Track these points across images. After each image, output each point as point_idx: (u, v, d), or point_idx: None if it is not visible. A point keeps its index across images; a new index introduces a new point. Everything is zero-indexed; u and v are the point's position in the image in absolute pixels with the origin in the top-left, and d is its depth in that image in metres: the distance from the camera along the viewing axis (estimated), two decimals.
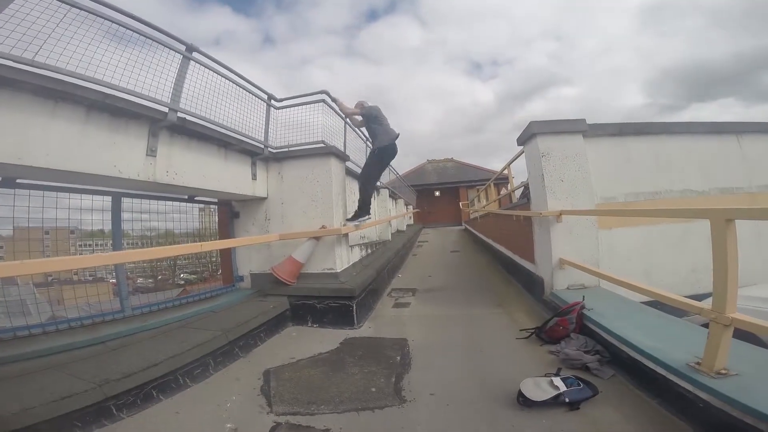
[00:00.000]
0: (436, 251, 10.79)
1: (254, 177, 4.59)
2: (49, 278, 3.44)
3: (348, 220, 4.91)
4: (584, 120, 4.25)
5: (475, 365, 2.97)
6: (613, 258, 4.08)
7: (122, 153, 2.96)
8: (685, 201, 4.37)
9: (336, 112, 5.51)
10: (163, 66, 3.21)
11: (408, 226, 15.03)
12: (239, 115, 4.18)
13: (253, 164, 4.58)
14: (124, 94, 2.86)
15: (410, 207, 17.04)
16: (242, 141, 4.25)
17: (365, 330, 4.03)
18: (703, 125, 4.80)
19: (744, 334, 2.40)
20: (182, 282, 4.57)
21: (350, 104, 5.00)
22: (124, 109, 2.92)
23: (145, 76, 3.02)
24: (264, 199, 4.82)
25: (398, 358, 3.18)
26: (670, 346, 2.35)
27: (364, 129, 5.30)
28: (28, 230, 2.90)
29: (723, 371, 1.94)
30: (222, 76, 3.91)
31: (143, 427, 2.19)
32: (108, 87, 2.74)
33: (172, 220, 4.13)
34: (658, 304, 3.12)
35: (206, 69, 3.68)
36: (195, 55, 3.51)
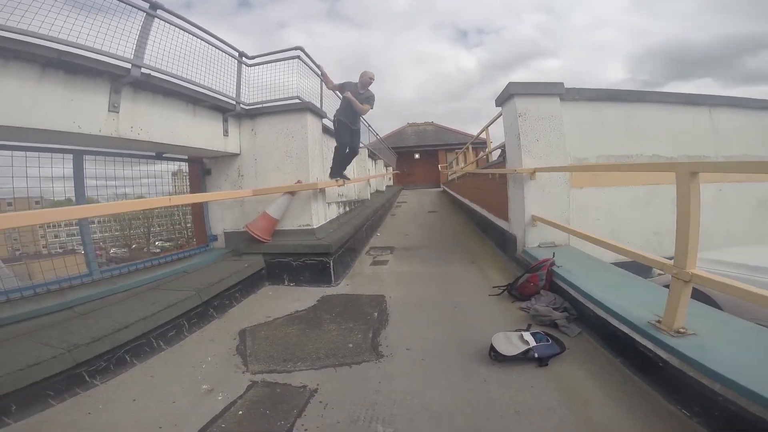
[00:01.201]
0: (415, 211, 10.78)
1: (226, 133, 4.32)
2: (17, 252, 3.20)
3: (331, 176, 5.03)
4: (562, 84, 4.18)
5: (450, 321, 2.98)
6: (582, 217, 4.12)
7: (82, 109, 2.78)
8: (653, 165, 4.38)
9: (312, 69, 5.22)
10: (125, 24, 3.04)
11: (387, 187, 14.92)
12: (210, 73, 3.98)
13: (225, 120, 4.31)
14: (83, 51, 2.67)
15: (390, 168, 16.87)
16: (213, 97, 3.99)
17: (343, 287, 3.98)
18: (678, 96, 4.79)
19: (701, 298, 2.46)
20: (158, 250, 4.37)
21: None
22: (82, 66, 2.74)
23: (105, 33, 2.82)
24: (237, 155, 4.57)
25: (375, 314, 3.15)
26: (633, 304, 2.35)
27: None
28: None
29: (681, 330, 1.94)
30: (190, 34, 3.68)
31: (118, 394, 2.09)
32: (64, 44, 2.55)
33: (146, 185, 3.89)
34: (624, 264, 3.17)
35: (174, 27, 3.48)
36: (160, 12, 3.28)
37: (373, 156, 11.63)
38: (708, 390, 1.62)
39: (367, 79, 4.79)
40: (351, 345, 2.62)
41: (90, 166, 3.32)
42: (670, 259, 2.05)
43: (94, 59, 2.78)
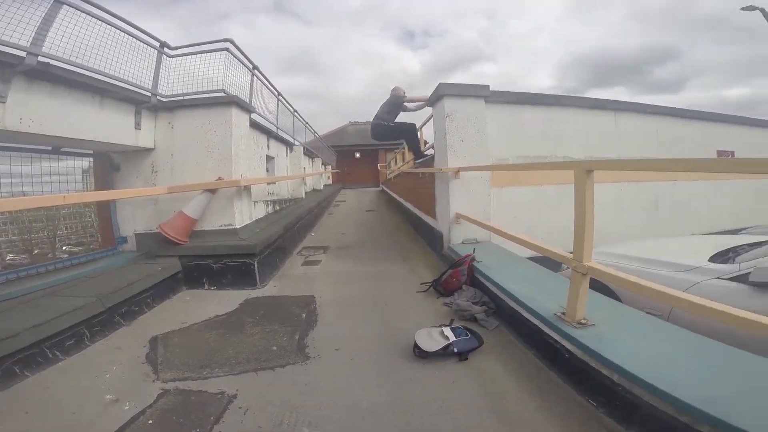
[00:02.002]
0: (353, 210, 10.85)
1: (138, 126, 4.03)
2: None
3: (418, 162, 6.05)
4: (488, 86, 4.44)
5: (380, 319, 3.03)
6: (502, 214, 4.43)
7: None
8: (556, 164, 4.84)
9: (243, 64, 5.10)
10: (26, 10, 2.83)
11: (326, 186, 14.82)
12: (125, 63, 3.77)
13: (138, 113, 4.03)
14: None
15: (329, 167, 16.77)
16: (123, 88, 3.73)
17: (269, 289, 3.90)
18: (588, 100, 5.35)
19: (602, 289, 2.67)
20: (65, 256, 3.97)
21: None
22: None
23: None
24: (150, 150, 4.28)
25: (304, 315, 3.13)
26: (543, 297, 2.49)
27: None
28: None
29: (583, 321, 2.06)
30: (105, 23, 3.46)
31: (7, 407, 1.90)
32: None
33: (49, 182, 3.57)
34: (540, 259, 3.48)
35: (85, 15, 3.28)
36: None
37: (309, 154, 11.50)
38: (608, 380, 1.71)
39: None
40: (275, 348, 2.58)
41: None
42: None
43: None
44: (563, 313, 2.18)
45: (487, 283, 3.13)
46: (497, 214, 4.39)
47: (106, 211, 4.24)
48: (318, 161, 13.55)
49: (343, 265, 4.83)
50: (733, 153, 6.47)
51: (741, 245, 3.23)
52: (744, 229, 5.42)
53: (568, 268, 4.04)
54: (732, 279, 2.59)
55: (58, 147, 3.68)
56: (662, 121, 5.78)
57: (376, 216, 9.60)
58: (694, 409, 1.34)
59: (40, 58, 2.88)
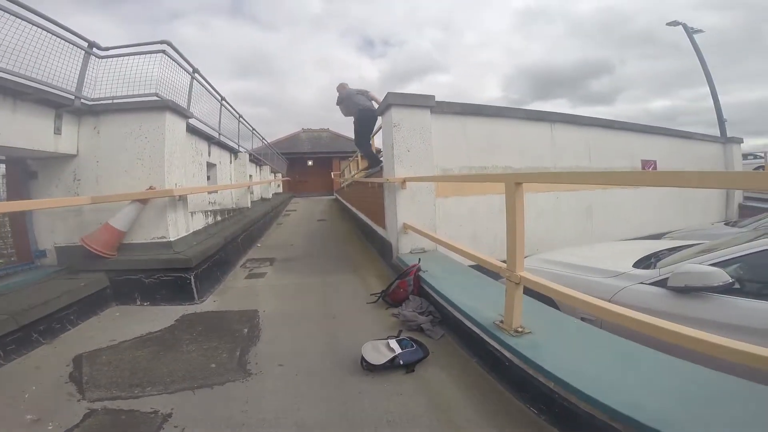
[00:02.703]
0: (303, 220, 10.71)
1: (58, 131, 3.78)
2: None
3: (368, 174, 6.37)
4: (434, 96, 4.60)
5: (327, 333, 3.02)
6: (448, 224, 4.61)
7: None
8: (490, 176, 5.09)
9: (182, 67, 4.98)
10: None
11: (275, 194, 14.53)
12: (46, 63, 3.58)
13: (59, 117, 3.79)
14: None
15: (279, 175, 16.50)
16: (40, 90, 3.51)
17: (209, 304, 3.79)
18: (527, 112, 5.70)
19: (543, 297, 2.85)
20: None
21: None
22: None
23: None
24: (72, 156, 4.02)
25: (245, 330, 3.08)
26: (484, 305, 2.55)
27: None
28: None
29: (520, 329, 2.13)
30: (22, 19, 3.30)
31: None
32: None
33: None
34: (483, 268, 3.66)
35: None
36: None
37: (257, 161, 11.27)
38: (545, 388, 1.76)
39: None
40: (214, 365, 2.52)
41: None
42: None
43: None
44: (501, 322, 2.25)
45: (433, 293, 3.20)
46: (443, 223, 4.56)
47: (21, 222, 3.92)
48: (267, 169, 13.30)
49: (290, 278, 4.78)
50: (655, 162, 7.19)
51: (662, 250, 3.52)
52: (666, 233, 6.01)
53: None
54: (653, 284, 2.79)
55: None
56: (594, 132, 6.29)
57: (327, 225, 9.56)
58: (623, 415, 1.41)
59: None
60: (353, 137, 6.87)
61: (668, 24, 13.32)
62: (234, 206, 7.56)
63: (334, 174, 19.44)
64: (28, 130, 3.51)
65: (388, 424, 1.87)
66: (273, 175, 14.64)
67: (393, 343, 2.46)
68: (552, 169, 5.55)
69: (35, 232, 4.01)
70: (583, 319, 2.51)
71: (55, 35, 3.65)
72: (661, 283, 2.72)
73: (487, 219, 4.94)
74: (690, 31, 12.84)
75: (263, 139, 13.17)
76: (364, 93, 6.37)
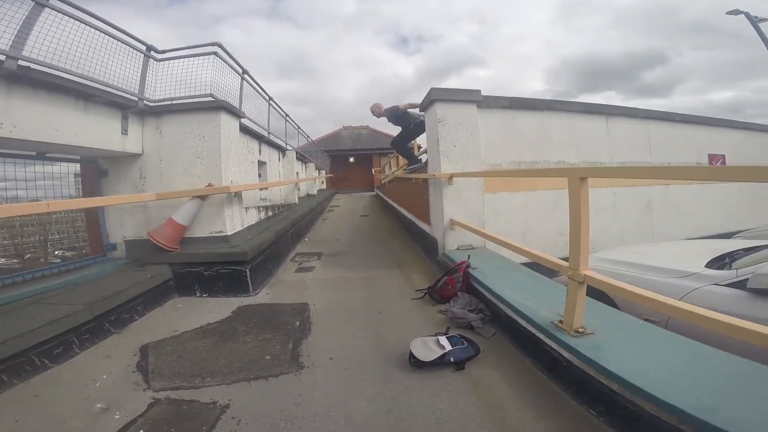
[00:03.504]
0: (347, 216, 10.82)
1: (125, 132, 3.99)
2: None
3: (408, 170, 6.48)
4: (479, 91, 4.44)
5: (374, 328, 2.99)
6: (497, 220, 4.45)
7: None
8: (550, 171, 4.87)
9: (232, 68, 5.09)
10: (5, 13, 2.80)
11: (320, 191, 14.80)
12: (110, 67, 3.73)
13: (125, 118, 4.00)
14: None
15: (323, 172, 16.76)
16: (108, 92, 3.70)
17: (262, 297, 3.87)
18: (581, 105, 5.40)
19: (600, 296, 2.60)
20: (58, 261, 3.92)
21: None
22: None
23: None
24: (138, 155, 4.24)
25: (297, 323, 3.10)
26: (539, 304, 2.45)
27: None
28: None
29: (581, 329, 2.03)
30: (89, 26, 3.43)
31: None
32: None
33: (42, 188, 3.54)
34: (535, 265, 3.49)
35: (68, 18, 3.24)
36: (52, 2, 3.03)
37: (302, 158, 11.48)
38: (608, 389, 1.69)
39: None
40: (268, 357, 2.54)
41: None
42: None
43: None
44: (560, 322, 2.15)
45: (483, 291, 3.10)
46: (492, 219, 4.40)
47: (94, 217, 4.19)
48: (311, 166, 13.53)
49: (337, 272, 4.81)
50: (723, 156, 6.58)
51: (737, 250, 3.21)
52: (737, 233, 5.49)
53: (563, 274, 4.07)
54: (729, 285, 2.57)
55: (43, 152, 3.63)
56: (653, 125, 5.84)
57: (370, 221, 9.60)
58: (695, 418, 1.33)
59: (20, 62, 2.84)
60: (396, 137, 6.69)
61: (728, 13, 12.18)
62: (283, 202, 7.74)
63: (375, 170, 19.49)
64: (98, 131, 3.70)
65: (437, 421, 1.82)
66: (317, 171, 14.88)
67: (443, 340, 2.39)
68: (609, 164, 5.21)
69: (107, 226, 4.26)
70: (646, 320, 2.35)
71: (117, 39, 3.80)
72: (738, 285, 2.51)
73: (538, 216, 4.72)
74: (754, 20, 11.68)
75: (308, 137, 13.41)
76: (395, 110, 6.11)
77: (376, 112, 6.20)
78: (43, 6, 3.00)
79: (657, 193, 5.69)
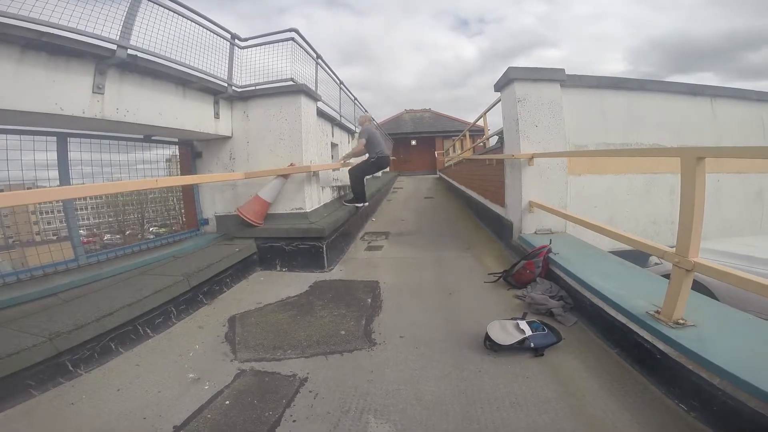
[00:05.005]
0: (411, 197, 10.69)
1: (217, 116, 4.16)
2: (10, 240, 3.08)
3: (346, 202, 5.58)
4: (563, 70, 4.05)
5: (444, 308, 2.90)
6: (580, 204, 4.04)
7: (64, 91, 2.66)
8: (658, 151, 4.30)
9: (307, 53, 5.09)
10: (111, 5, 2.91)
11: (383, 172, 14.75)
12: (201, 55, 3.87)
13: (216, 103, 4.16)
14: (66, 32, 2.56)
15: None
16: (202, 79, 3.84)
17: (336, 273, 3.90)
18: (679, 85, 4.72)
19: (697, 288, 2.38)
20: (152, 236, 4.26)
21: None
22: (64, 47, 2.61)
23: (90, 14, 2.71)
24: (228, 138, 4.42)
25: (369, 300, 3.08)
26: (631, 293, 2.27)
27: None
28: None
29: (681, 321, 1.87)
30: (181, 16, 3.55)
31: (102, 383, 2.00)
32: (46, 25, 2.44)
33: (139, 170, 3.77)
34: (621, 252, 3.10)
35: (164, 9, 3.36)
36: None
37: None
38: (707, 383, 1.56)
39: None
40: (343, 332, 2.54)
41: (75, 149, 3.19)
42: (671, 248, 1.97)
43: (77, 40, 2.66)
44: (657, 312, 1.97)
45: (566, 277, 2.87)
46: (574, 203, 4.00)
47: (190, 194, 4.46)
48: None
49: (406, 251, 4.73)
50: None
51: None
52: None
53: (657, 263, 3.59)
54: None
55: (149, 136, 3.88)
56: None
57: (435, 203, 9.37)
58: None
59: (129, 51, 2.98)
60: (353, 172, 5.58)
61: None
62: None
63: (438, 153, 19.02)
64: (195, 115, 3.89)
65: (512, 406, 1.73)
66: None
67: (523, 325, 2.26)
68: None
69: (200, 202, 4.51)
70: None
71: (205, 28, 3.91)
72: None
73: (627, 201, 4.22)
74: None
75: (373, 120, 13.31)
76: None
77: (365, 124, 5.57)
78: None
79: None
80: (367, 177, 6.20)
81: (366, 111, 11.07)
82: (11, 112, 2.42)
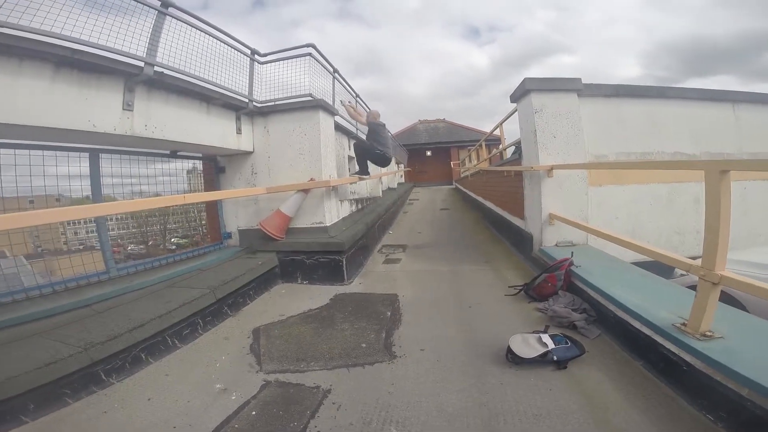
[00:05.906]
0: (427, 209, 10.70)
1: (239, 131, 4.29)
2: (39, 249, 3.24)
3: (352, 174, 5.58)
4: (580, 79, 4.04)
5: (464, 321, 2.91)
6: (601, 216, 3.99)
7: (95, 108, 2.77)
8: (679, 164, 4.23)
9: (324, 67, 5.21)
10: (137, 23, 3.02)
11: (399, 184, 14.83)
12: (222, 71, 3.97)
13: (238, 118, 4.30)
14: (96, 50, 2.66)
15: (401, 165, 16.77)
16: (225, 95, 3.97)
17: (355, 286, 3.94)
18: (700, 92, 4.65)
19: (726, 299, 2.31)
20: (173, 247, 4.39)
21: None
22: (95, 65, 2.72)
23: (117, 32, 2.81)
24: (250, 153, 4.55)
25: (388, 313, 3.10)
26: (656, 306, 2.25)
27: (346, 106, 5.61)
28: (18, 200, 2.72)
29: (708, 333, 1.86)
30: (202, 32, 3.66)
31: (133, 392, 2.08)
32: (78, 43, 2.54)
33: (162, 183, 3.89)
34: (644, 264, 3.04)
35: (185, 25, 3.46)
36: (171, 10, 3.25)
37: None
38: (735, 395, 1.56)
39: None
40: (364, 345, 2.57)
41: (106, 165, 3.33)
42: (695, 259, 1.96)
43: (108, 58, 2.76)
44: (683, 324, 1.96)
45: (588, 290, 2.85)
46: (595, 214, 3.95)
47: (213, 209, 4.59)
48: (392, 160, 13.57)
49: (423, 265, 4.74)
50: None
51: None
52: None
53: (682, 274, 3.50)
54: None
55: (175, 151, 4.02)
56: None
57: (451, 215, 9.37)
58: None
59: (156, 68, 3.09)
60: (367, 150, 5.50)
61: None
62: (368, 195, 7.82)
63: (454, 163, 18.99)
64: (218, 131, 4.01)
65: (535, 418, 1.73)
66: (397, 165, 14.90)
67: (545, 338, 2.26)
68: (737, 156, 4.38)
69: (224, 216, 4.64)
70: None
71: (225, 44, 4.00)
72: None
73: (650, 211, 4.15)
74: None
75: (388, 131, 13.42)
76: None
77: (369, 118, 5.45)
78: (165, 15, 3.19)
79: None
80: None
81: (383, 125, 11.20)
82: (47, 129, 2.53)
